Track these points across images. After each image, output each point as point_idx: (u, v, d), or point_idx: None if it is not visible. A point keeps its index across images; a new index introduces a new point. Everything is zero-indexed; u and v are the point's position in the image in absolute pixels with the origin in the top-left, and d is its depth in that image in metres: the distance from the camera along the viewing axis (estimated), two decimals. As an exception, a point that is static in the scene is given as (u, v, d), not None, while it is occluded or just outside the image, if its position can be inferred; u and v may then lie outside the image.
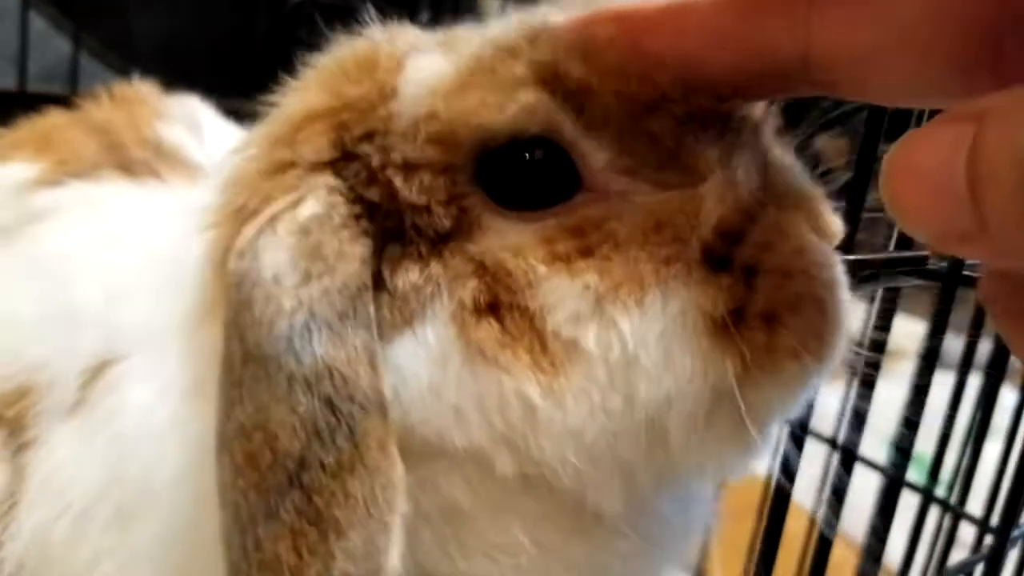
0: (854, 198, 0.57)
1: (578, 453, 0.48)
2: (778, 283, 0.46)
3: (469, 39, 0.51)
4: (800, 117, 0.56)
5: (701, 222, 0.47)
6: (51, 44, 1.72)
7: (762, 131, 0.50)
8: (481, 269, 0.48)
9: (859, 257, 0.57)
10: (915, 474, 0.97)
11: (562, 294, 0.47)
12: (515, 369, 0.47)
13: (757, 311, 0.46)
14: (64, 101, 0.98)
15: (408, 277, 0.49)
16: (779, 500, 0.61)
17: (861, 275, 0.54)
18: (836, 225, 0.50)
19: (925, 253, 0.61)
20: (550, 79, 0.47)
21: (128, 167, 0.81)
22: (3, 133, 0.92)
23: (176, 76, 1.53)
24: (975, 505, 0.93)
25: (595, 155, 0.48)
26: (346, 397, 0.45)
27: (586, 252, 0.47)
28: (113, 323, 0.63)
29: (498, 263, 0.48)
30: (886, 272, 0.59)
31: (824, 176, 0.55)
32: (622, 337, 0.46)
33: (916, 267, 0.60)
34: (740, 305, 0.46)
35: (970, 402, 0.94)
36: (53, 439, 0.63)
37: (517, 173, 0.48)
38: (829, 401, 0.66)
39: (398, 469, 0.46)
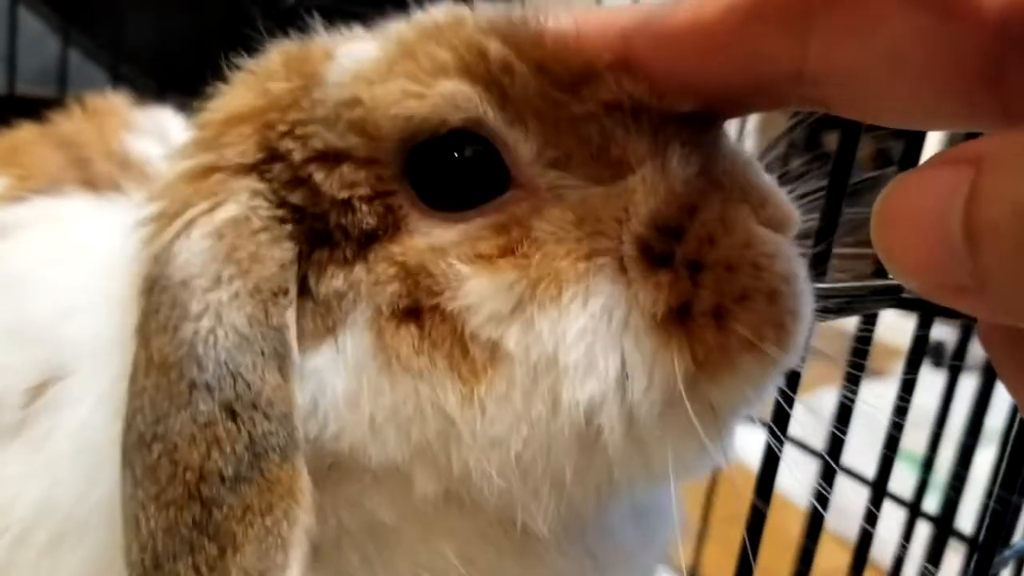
0: (827, 224, 0.55)
1: (503, 467, 0.46)
2: (723, 277, 0.44)
3: (399, 25, 0.50)
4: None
5: (631, 215, 0.45)
6: (46, 45, 1.72)
7: (709, 123, 0.48)
8: (403, 272, 0.46)
9: (833, 285, 0.55)
10: (909, 473, 0.95)
11: (482, 295, 0.45)
12: (432, 376, 0.45)
13: (704, 308, 0.44)
14: (54, 104, 0.98)
15: (332, 283, 0.48)
16: (763, 495, 0.60)
17: (836, 303, 0.52)
18: (791, 214, 0.48)
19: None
20: (472, 61, 0.46)
21: (92, 182, 0.81)
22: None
23: (169, 77, 1.52)
24: (971, 508, 0.91)
25: (522, 147, 0.46)
26: (248, 404, 0.44)
27: (507, 250, 0.46)
28: (60, 341, 0.62)
29: (420, 265, 0.46)
30: (861, 300, 0.57)
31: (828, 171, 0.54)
32: (541, 337, 0.44)
33: (893, 295, 0.59)
34: (685, 302, 0.44)
35: (966, 401, 0.92)
36: (-1, 459, 0.62)
37: (444, 172, 0.47)
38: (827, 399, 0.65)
39: (301, 481, 0.45)
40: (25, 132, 0.91)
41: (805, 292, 0.45)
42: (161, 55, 1.52)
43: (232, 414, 0.44)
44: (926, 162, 0.32)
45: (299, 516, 0.44)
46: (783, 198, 0.48)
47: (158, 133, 0.92)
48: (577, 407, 0.44)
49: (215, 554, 0.43)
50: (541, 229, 0.46)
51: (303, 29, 0.55)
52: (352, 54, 0.49)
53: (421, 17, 0.49)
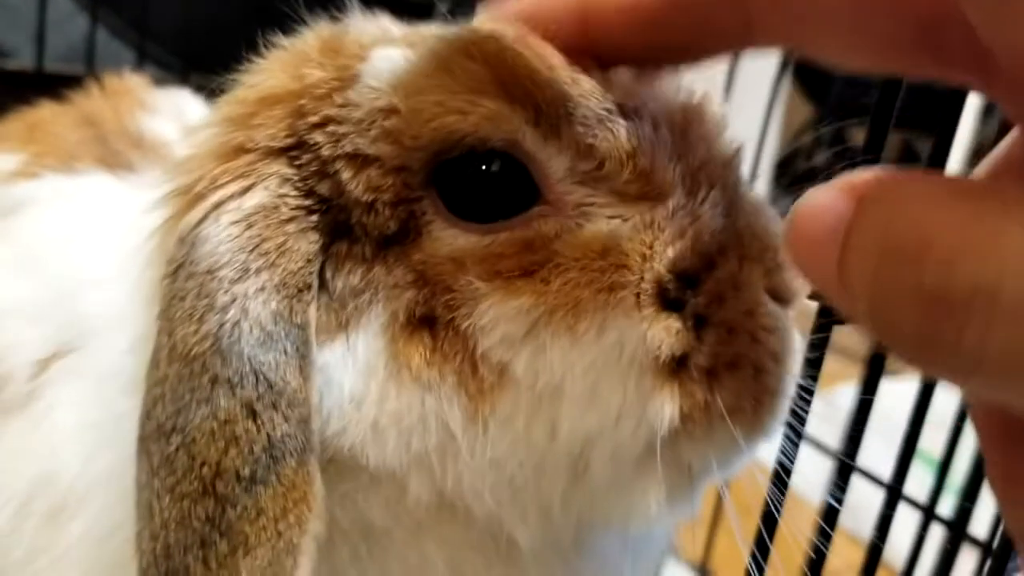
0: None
1: (495, 487, 0.46)
2: (722, 339, 0.45)
3: (431, 35, 0.49)
4: (825, 102, 0.53)
5: (655, 253, 0.45)
6: (74, 23, 1.73)
7: (733, 167, 0.49)
8: (421, 280, 0.46)
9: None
10: (925, 472, 0.94)
11: (497, 315, 0.45)
12: (440, 390, 0.45)
13: (700, 364, 0.45)
14: (81, 82, 0.98)
15: (349, 279, 0.48)
16: (776, 494, 0.59)
17: (836, 320, 0.52)
18: (797, 284, 0.48)
19: None
20: (506, 76, 0.45)
21: (108, 160, 0.81)
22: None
23: (194, 56, 1.53)
24: (987, 509, 0.90)
25: (554, 163, 0.46)
26: (269, 404, 0.44)
27: (527, 271, 0.46)
28: (69, 316, 0.62)
29: (438, 275, 0.46)
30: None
31: (851, 160, 0.53)
32: (550, 365, 0.45)
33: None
34: (686, 353, 0.45)
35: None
36: (5, 431, 0.62)
37: (473, 184, 0.47)
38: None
39: (315, 487, 0.45)
40: (44, 110, 0.91)
41: (790, 372, 0.46)
42: (187, 34, 1.53)
43: (252, 413, 0.44)
44: (830, 184, 0.32)
45: (311, 523, 0.44)
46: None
47: (174, 114, 0.92)
48: (574, 438, 0.45)
49: (225, 551, 0.43)
50: (565, 254, 0.45)
51: (328, 10, 0.54)
52: (387, 58, 0.48)
53: (451, 29, 0.48)
